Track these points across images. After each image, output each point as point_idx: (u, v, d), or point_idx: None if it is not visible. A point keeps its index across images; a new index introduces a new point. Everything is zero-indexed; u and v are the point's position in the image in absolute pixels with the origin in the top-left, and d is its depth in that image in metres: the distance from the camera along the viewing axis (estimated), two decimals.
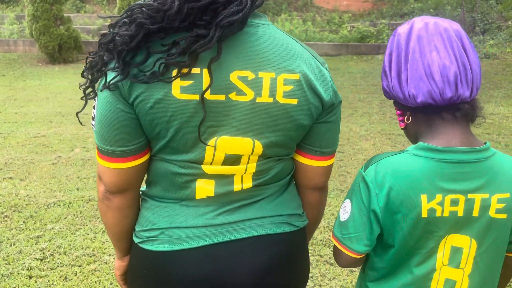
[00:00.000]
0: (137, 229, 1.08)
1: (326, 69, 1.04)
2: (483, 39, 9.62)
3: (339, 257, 1.11)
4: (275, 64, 0.96)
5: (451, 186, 0.98)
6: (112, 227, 1.10)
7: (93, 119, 1.00)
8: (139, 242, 1.06)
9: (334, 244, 1.11)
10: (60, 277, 2.51)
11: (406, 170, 0.99)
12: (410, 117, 1.06)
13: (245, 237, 1.04)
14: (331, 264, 2.65)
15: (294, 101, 0.98)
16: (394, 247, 1.04)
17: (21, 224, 3.09)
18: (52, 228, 3.04)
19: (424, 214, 0.98)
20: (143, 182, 1.11)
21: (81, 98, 0.97)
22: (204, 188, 1.02)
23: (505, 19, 10.46)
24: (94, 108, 0.98)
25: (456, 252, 1.02)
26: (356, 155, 4.45)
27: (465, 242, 1.01)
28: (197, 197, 1.03)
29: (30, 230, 3.02)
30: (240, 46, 0.94)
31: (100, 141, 0.98)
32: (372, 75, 8.69)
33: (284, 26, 11.37)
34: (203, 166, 1.00)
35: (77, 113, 1.01)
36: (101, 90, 0.94)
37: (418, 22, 1.01)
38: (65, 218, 3.18)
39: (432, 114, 1.01)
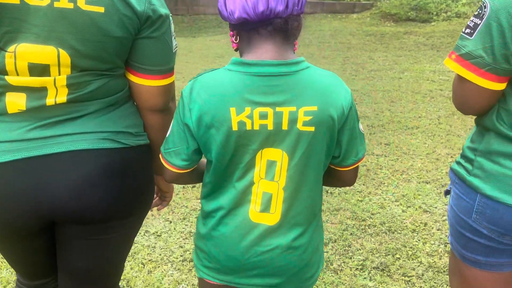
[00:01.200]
0: None
1: None
2: None
3: (164, 173, 1.14)
4: None
5: (260, 99, 0.99)
6: None
7: None
8: None
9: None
10: None
11: (217, 85, 1.01)
12: (238, 37, 1.07)
13: (61, 152, 1.03)
14: None
15: (101, 9, 0.96)
16: (212, 162, 1.06)
17: None
18: None
19: (235, 127, 1.00)
20: None
21: None
22: (14, 102, 1.01)
23: None
24: None
25: (271, 165, 1.04)
26: None
27: (278, 155, 1.04)
28: (9, 111, 1.02)
29: None
30: None
31: None
32: (342, 33, 8.59)
33: None
34: (7, 78, 0.98)
35: None
36: None
37: None
38: None
39: (250, 30, 1.02)
